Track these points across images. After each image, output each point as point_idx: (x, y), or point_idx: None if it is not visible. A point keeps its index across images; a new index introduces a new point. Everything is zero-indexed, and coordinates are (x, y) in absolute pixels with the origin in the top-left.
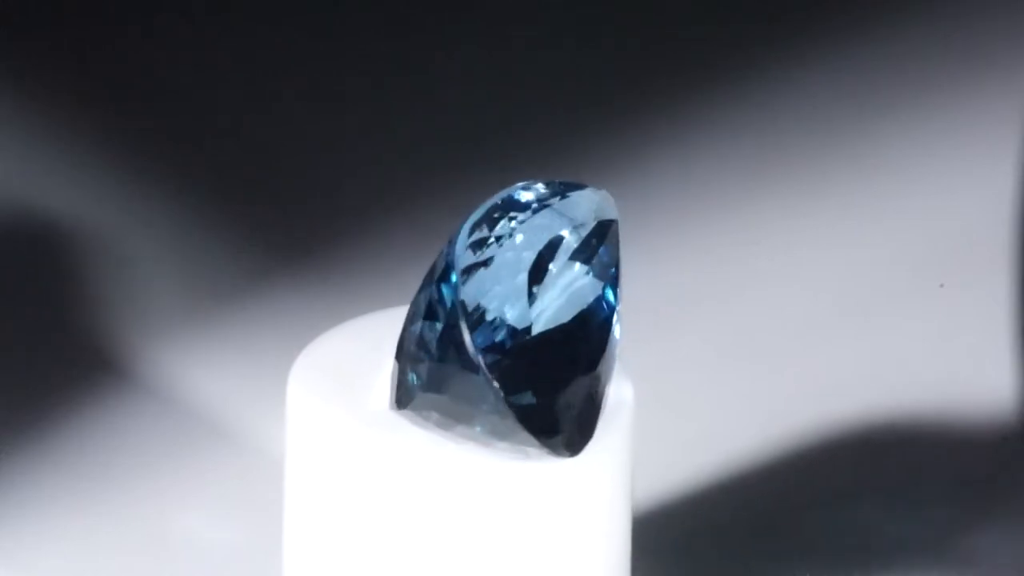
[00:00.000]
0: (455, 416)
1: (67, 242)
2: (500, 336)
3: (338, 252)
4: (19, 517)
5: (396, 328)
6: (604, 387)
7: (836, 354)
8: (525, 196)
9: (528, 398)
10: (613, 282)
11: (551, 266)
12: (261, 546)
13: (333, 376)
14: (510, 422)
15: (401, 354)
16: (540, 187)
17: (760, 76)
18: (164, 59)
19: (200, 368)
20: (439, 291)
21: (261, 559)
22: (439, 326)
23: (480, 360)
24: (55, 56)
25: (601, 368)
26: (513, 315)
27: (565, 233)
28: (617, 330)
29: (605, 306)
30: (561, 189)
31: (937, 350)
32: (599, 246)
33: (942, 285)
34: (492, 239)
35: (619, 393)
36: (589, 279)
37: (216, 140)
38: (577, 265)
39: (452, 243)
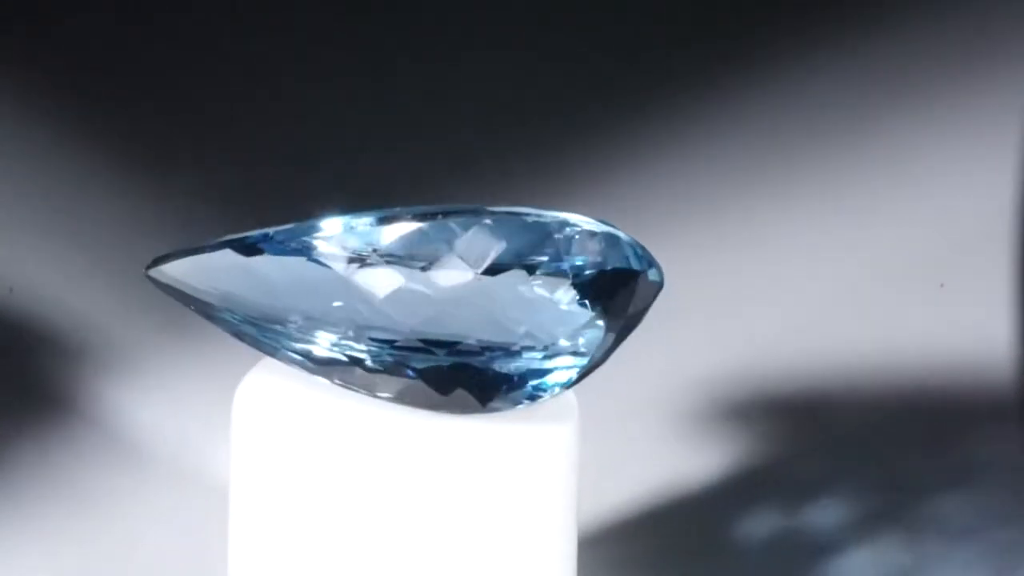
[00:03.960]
0: None
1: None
2: None
3: None
4: None
5: None
6: None
7: (835, 354)
8: None
9: None
10: None
11: None
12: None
13: (281, 386)
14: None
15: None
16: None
17: (760, 77)
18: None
19: (147, 398)
20: None
21: None
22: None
23: None
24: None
25: None
26: None
27: None
28: None
29: None
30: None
31: (937, 350)
32: None
33: (942, 285)
34: None
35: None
36: None
37: (176, 164)
38: None
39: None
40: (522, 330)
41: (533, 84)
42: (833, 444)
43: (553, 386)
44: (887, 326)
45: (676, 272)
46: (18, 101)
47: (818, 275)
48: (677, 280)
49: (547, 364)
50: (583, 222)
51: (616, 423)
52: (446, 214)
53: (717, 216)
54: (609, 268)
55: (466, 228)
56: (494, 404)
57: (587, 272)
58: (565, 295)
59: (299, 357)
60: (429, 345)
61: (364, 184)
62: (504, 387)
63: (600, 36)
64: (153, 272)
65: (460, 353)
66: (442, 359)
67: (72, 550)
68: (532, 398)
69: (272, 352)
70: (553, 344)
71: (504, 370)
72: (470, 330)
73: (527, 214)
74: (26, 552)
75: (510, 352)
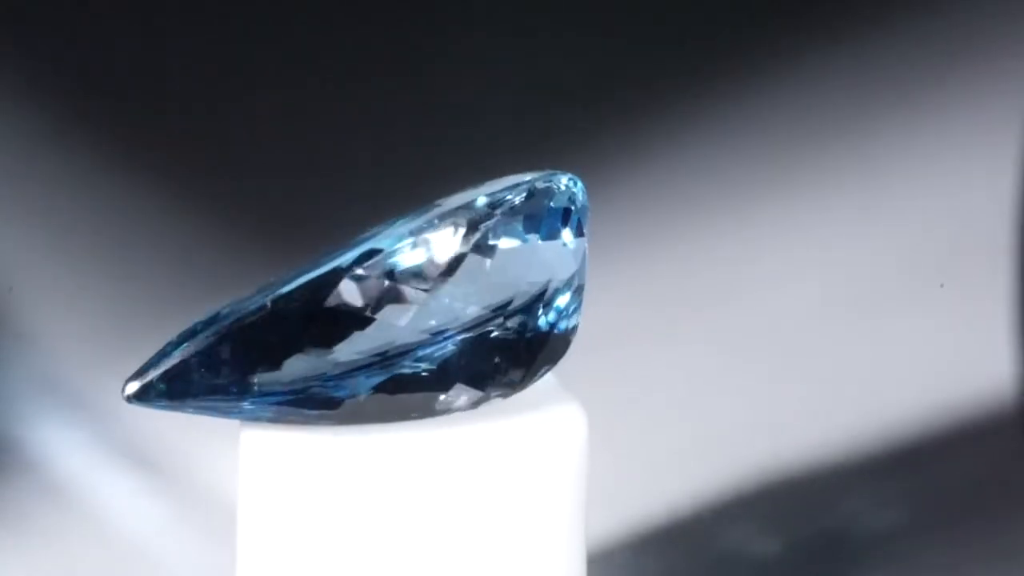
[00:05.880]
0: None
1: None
2: None
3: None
4: None
5: None
6: None
7: (834, 354)
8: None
9: None
10: None
11: None
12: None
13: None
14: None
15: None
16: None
17: (759, 76)
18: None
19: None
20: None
21: None
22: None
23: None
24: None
25: None
26: None
27: None
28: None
29: None
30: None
31: (937, 351)
32: None
33: (942, 285)
34: None
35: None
36: None
37: (178, 163)
38: None
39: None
40: (546, 277)
41: (531, 82)
42: (831, 444)
43: (575, 325)
44: (886, 326)
45: (675, 269)
46: (18, 99)
47: (817, 275)
48: (675, 277)
49: (572, 305)
50: (554, 174)
51: (620, 420)
52: (443, 216)
53: (715, 215)
54: (583, 204)
55: (470, 214)
56: (539, 363)
57: (574, 214)
58: (560, 239)
59: (329, 411)
60: (477, 322)
61: (382, 183)
62: (546, 340)
63: (600, 34)
64: (141, 403)
65: (513, 314)
66: (487, 329)
67: (74, 556)
68: (565, 347)
69: (297, 419)
70: (568, 284)
71: (543, 321)
72: (510, 295)
73: (512, 186)
74: (26, 556)
75: (546, 299)
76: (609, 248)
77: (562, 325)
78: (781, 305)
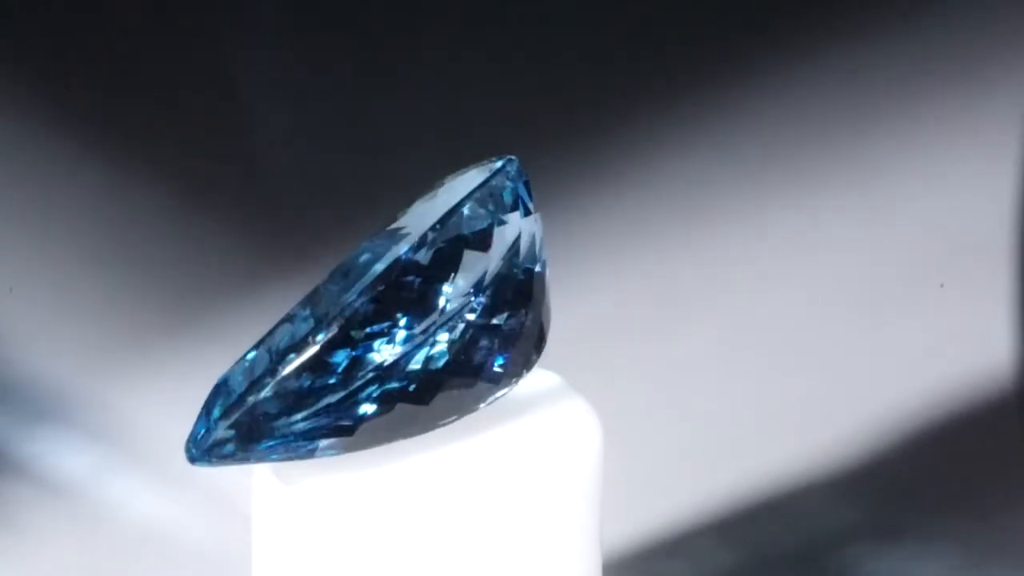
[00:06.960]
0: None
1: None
2: None
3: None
4: None
5: None
6: None
7: (833, 355)
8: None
9: None
10: None
11: None
12: None
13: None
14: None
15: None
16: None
17: (760, 77)
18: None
19: (149, 399)
20: None
21: None
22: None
23: None
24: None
25: None
26: None
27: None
28: None
29: None
30: None
31: (937, 350)
32: None
33: (942, 285)
34: None
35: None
36: None
37: (178, 163)
38: None
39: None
40: (516, 248)
41: (531, 82)
42: (831, 443)
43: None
44: (886, 326)
45: (675, 269)
46: (18, 99)
47: (817, 275)
48: (675, 277)
49: (540, 260)
50: (506, 160)
51: (623, 418)
52: (441, 221)
53: (715, 215)
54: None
55: (454, 216)
56: (536, 318)
57: (526, 189)
58: (521, 211)
59: (346, 437)
60: (459, 308)
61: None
62: (529, 284)
63: (600, 34)
64: (212, 463)
65: (497, 286)
66: (472, 311)
67: (73, 556)
68: (545, 288)
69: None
70: (540, 247)
71: (535, 269)
72: (483, 273)
73: (478, 182)
74: (26, 556)
75: (523, 256)
76: (610, 247)
77: (540, 271)
78: (781, 304)
